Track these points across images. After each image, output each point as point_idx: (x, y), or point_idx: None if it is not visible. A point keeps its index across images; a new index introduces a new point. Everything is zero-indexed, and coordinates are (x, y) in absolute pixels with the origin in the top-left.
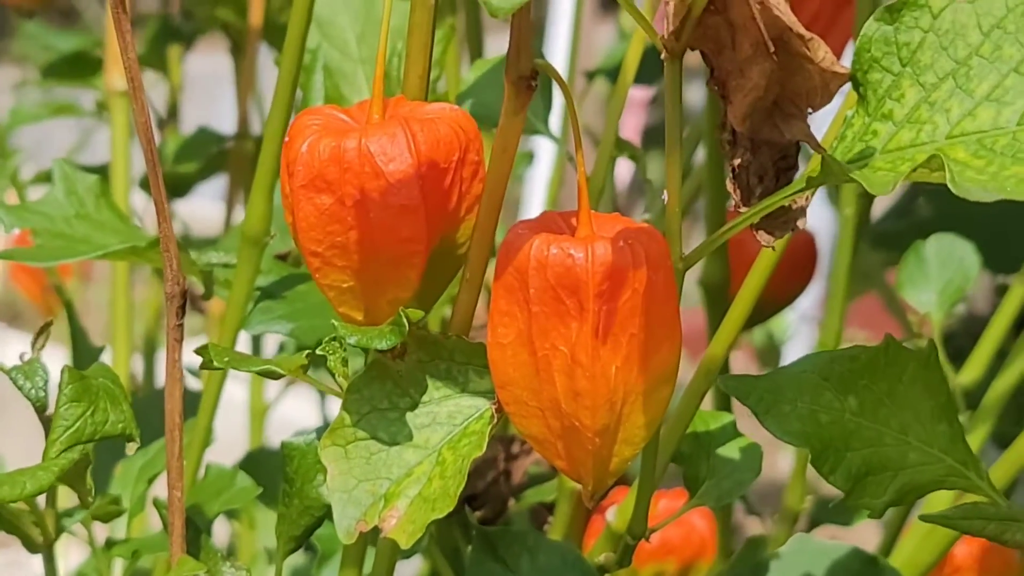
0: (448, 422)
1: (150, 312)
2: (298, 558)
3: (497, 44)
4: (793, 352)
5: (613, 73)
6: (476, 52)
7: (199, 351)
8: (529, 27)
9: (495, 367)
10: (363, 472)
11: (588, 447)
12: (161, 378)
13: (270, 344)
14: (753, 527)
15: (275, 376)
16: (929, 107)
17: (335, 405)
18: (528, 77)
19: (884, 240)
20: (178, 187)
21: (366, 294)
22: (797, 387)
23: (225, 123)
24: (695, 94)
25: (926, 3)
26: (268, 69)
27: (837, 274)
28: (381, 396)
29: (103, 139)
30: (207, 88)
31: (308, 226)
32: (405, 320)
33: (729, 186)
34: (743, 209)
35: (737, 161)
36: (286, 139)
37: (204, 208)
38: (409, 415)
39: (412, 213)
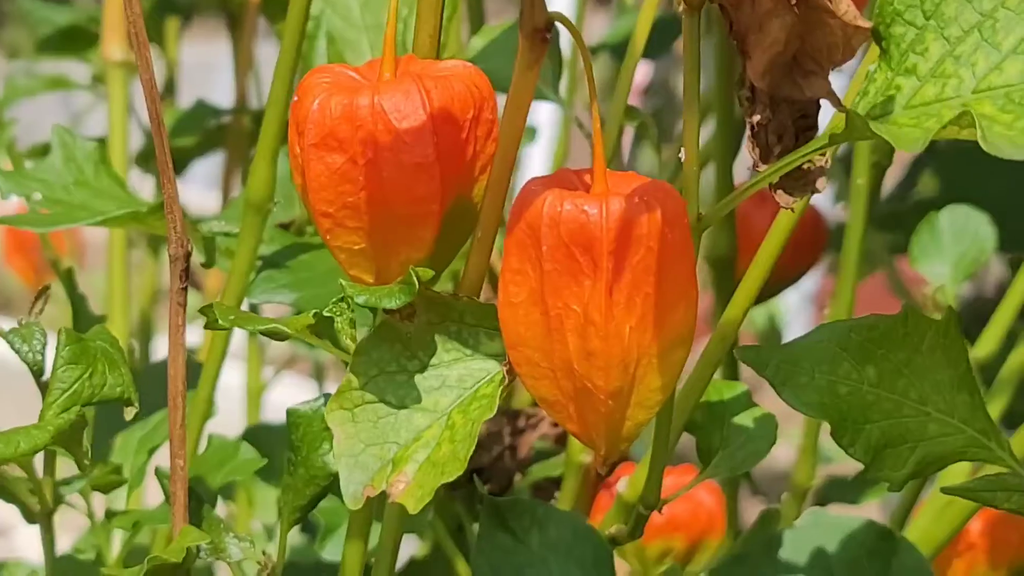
0: (458, 385)
1: (145, 296)
2: (295, 539)
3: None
4: (793, 334)
5: (616, 48)
6: (477, 21)
7: (203, 310)
8: None
9: (506, 327)
10: (370, 436)
11: (601, 410)
12: (160, 353)
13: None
14: (757, 510)
15: (281, 336)
16: (954, 61)
17: (333, 388)
18: (543, 29)
19: (888, 221)
20: (175, 163)
21: (378, 256)
22: (815, 357)
23: (224, 99)
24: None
25: None
26: (265, 52)
27: (849, 245)
28: (389, 358)
29: (93, 121)
30: (203, 74)
31: (319, 186)
32: (415, 278)
33: (747, 144)
34: (761, 167)
35: (756, 119)
36: (295, 98)
37: (200, 193)
38: (418, 378)
39: (426, 171)
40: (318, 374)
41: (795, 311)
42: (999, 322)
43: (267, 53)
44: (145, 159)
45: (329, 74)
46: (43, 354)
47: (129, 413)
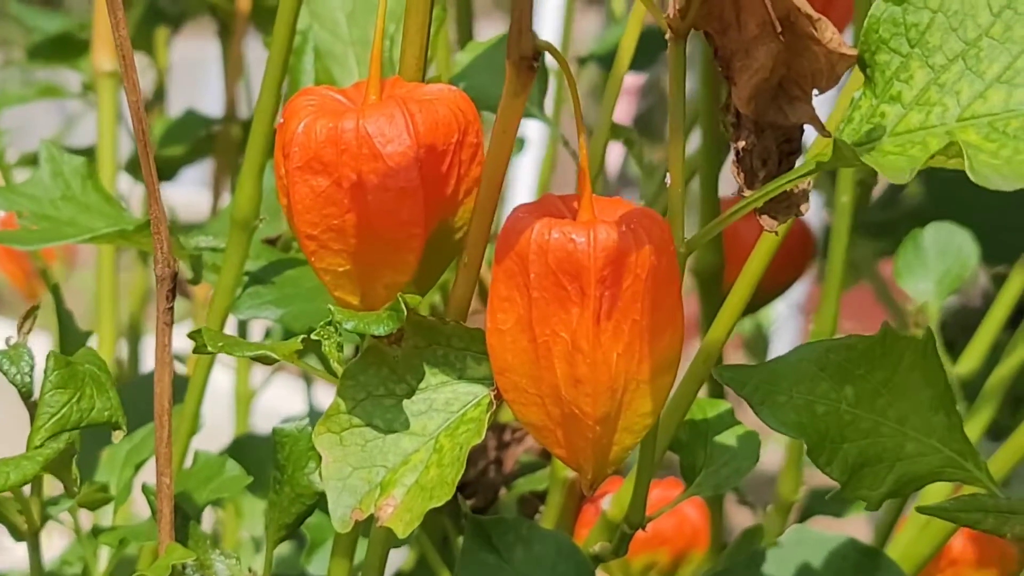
0: (445, 409)
1: (135, 296)
2: (284, 548)
3: (481, 29)
4: (781, 341)
5: (605, 59)
6: (465, 34)
7: (192, 335)
8: (531, 7)
9: (494, 353)
10: (358, 460)
11: (588, 435)
12: (146, 362)
13: (256, 331)
14: (743, 517)
15: (269, 361)
16: (939, 89)
17: (321, 392)
18: (530, 58)
19: (875, 230)
20: (164, 170)
21: (362, 278)
22: (793, 377)
23: (211, 107)
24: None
25: None
26: (256, 52)
27: (833, 262)
28: (377, 382)
29: (87, 125)
30: (193, 72)
31: (304, 208)
32: (403, 305)
33: (733, 169)
34: (747, 192)
35: (741, 144)
36: (280, 120)
37: (190, 194)
38: (405, 402)
39: (410, 196)
40: (307, 376)
41: (783, 319)
42: (982, 338)
43: (258, 54)
44: (135, 167)
45: (315, 96)
46: (31, 376)
47: (117, 436)
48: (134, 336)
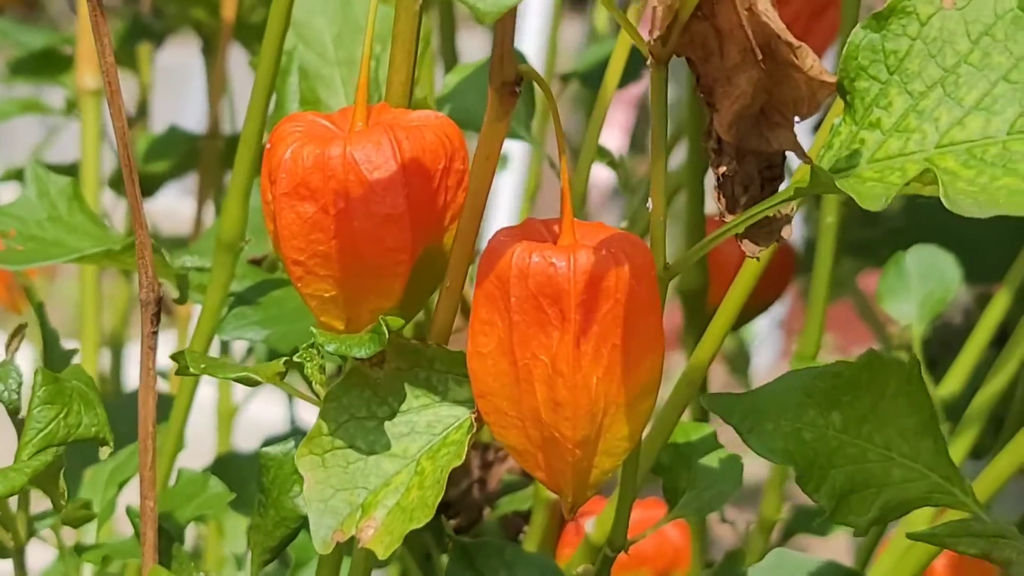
0: (427, 431)
1: (117, 309)
2: (268, 568)
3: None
4: (762, 357)
5: (587, 76)
6: (449, 47)
7: (175, 357)
8: (513, 32)
9: (475, 377)
10: (340, 481)
11: (568, 458)
12: (128, 373)
13: (238, 348)
14: (724, 530)
15: (252, 383)
16: (918, 116)
17: (303, 408)
18: (512, 83)
19: (856, 248)
20: (148, 187)
21: (348, 304)
22: (780, 405)
23: (192, 117)
24: (671, 92)
25: (914, 10)
26: (238, 67)
27: (817, 282)
28: (359, 404)
29: (69, 136)
30: (174, 82)
31: (290, 234)
32: (385, 328)
33: (714, 195)
34: (728, 218)
35: (723, 170)
36: (268, 145)
37: (171, 203)
38: (388, 424)
39: (397, 222)
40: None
41: (764, 335)
42: (965, 360)
43: (241, 65)
44: (118, 182)
45: (302, 122)
46: (19, 393)
47: (104, 452)
48: (116, 348)
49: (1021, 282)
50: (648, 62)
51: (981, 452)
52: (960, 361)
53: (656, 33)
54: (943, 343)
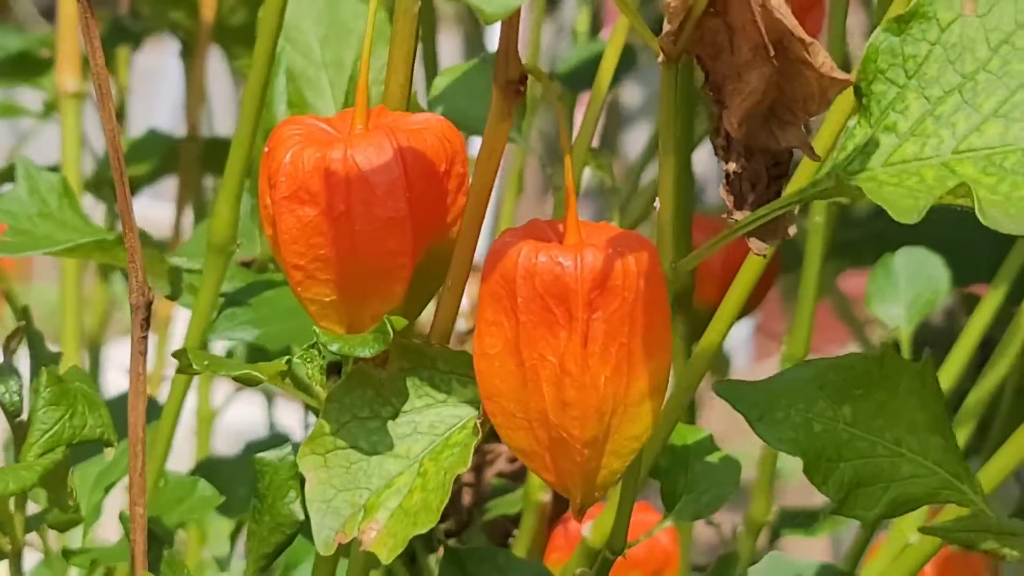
0: (430, 432)
1: (95, 311)
2: None
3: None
4: (739, 358)
5: (569, 78)
6: (429, 49)
7: (177, 355)
8: (517, 32)
9: (481, 378)
10: (343, 482)
11: (576, 459)
12: (106, 375)
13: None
14: (709, 533)
15: (254, 382)
16: (935, 120)
17: (283, 412)
18: (516, 82)
19: (842, 250)
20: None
21: (349, 308)
22: (791, 395)
23: (166, 116)
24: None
25: (934, 15)
26: (214, 69)
27: (806, 282)
28: (362, 404)
29: (45, 140)
30: (147, 84)
31: (291, 239)
32: (389, 327)
33: (722, 192)
34: (736, 215)
35: (731, 167)
36: (266, 149)
37: (146, 208)
38: (390, 424)
39: (398, 225)
40: (269, 395)
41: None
42: (952, 364)
43: (220, 69)
44: (96, 186)
45: (301, 126)
46: (20, 395)
47: (109, 453)
48: (94, 350)
49: (1009, 285)
50: (659, 59)
51: (968, 453)
52: (948, 364)
53: (668, 29)
54: (924, 344)
